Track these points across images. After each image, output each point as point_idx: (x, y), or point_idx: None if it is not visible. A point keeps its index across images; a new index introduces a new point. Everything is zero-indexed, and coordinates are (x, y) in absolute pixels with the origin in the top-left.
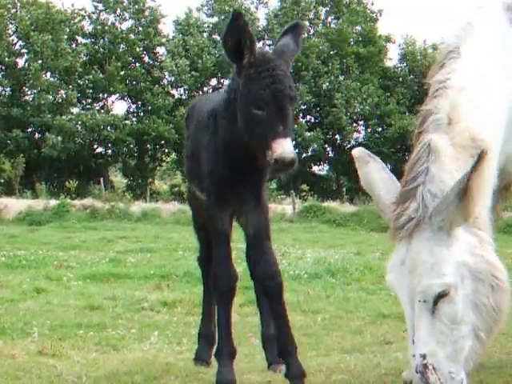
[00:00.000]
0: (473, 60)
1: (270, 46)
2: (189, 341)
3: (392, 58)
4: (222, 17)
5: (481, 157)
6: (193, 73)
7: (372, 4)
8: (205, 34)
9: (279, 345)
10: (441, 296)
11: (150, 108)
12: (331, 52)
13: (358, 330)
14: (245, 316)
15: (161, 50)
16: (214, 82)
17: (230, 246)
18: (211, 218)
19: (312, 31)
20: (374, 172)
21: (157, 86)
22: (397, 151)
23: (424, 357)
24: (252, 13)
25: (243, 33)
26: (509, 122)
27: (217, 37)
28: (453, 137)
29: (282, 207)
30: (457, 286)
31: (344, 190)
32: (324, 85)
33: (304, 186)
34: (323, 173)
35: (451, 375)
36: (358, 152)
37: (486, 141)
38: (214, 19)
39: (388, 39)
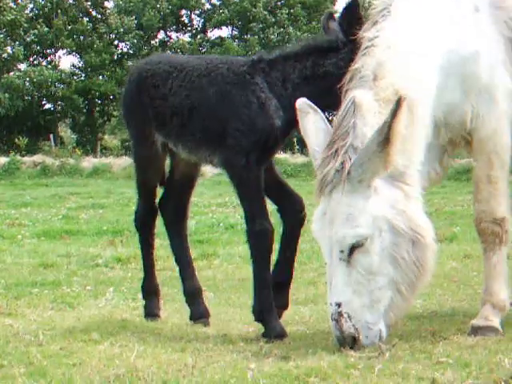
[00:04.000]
0: (403, 17)
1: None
2: None
3: (340, 5)
4: None
5: (399, 103)
6: (136, 31)
7: None
8: None
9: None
10: (355, 246)
11: (95, 64)
12: (278, 2)
13: (311, 281)
14: (198, 270)
15: (109, 5)
16: (161, 35)
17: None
18: (252, 174)
19: None
20: (310, 123)
21: (99, 41)
22: None
23: (339, 305)
24: None
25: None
26: (444, 74)
27: None
28: (377, 92)
29: None
30: (373, 237)
31: (295, 140)
32: (273, 36)
33: None
34: None
35: (368, 325)
36: (300, 104)
37: (410, 94)
38: None
39: None
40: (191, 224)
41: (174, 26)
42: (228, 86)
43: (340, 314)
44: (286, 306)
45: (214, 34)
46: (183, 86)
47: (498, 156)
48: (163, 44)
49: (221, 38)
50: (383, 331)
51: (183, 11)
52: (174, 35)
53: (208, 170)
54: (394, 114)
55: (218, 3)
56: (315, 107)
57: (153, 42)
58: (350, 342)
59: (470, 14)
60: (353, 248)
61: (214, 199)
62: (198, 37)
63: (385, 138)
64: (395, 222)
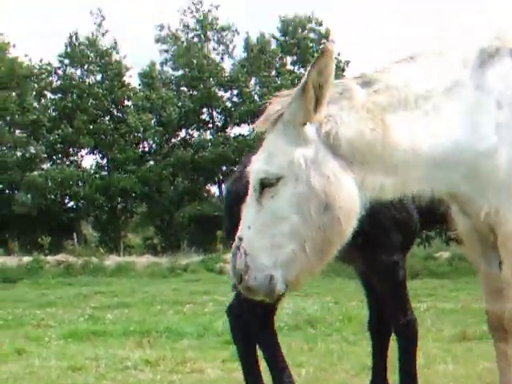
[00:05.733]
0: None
1: (237, 95)
2: None
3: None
4: (187, 69)
5: (322, 52)
6: (157, 128)
7: (339, 54)
8: (171, 86)
9: None
10: (266, 185)
11: (117, 162)
12: None
13: (343, 383)
14: (229, 372)
15: (130, 103)
16: (182, 133)
17: None
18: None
19: (279, 80)
20: None
21: (121, 138)
22: None
23: (240, 239)
24: (218, 63)
25: None
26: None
27: (184, 88)
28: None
29: None
30: (286, 181)
31: None
32: None
33: None
34: None
35: (260, 266)
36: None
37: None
38: (180, 72)
39: None
40: (219, 324)
41: (195, 125)
42: None
43: (238, 248)
44: None
45: (234, 131)
46: None
47: None
48: (184, 142)
49: (242, 135)
50: (277, 279)
51: (204, 109)
52: (195, 133)
53: None
54: (314, 61)
55: (238, 100)
56: None
57: (174, 140)
58: (238, 278)
59: (491, 110)
60: (263, 186)
61: None
62: (219, 134)
63: (304, 82)
64: (311, 178)
